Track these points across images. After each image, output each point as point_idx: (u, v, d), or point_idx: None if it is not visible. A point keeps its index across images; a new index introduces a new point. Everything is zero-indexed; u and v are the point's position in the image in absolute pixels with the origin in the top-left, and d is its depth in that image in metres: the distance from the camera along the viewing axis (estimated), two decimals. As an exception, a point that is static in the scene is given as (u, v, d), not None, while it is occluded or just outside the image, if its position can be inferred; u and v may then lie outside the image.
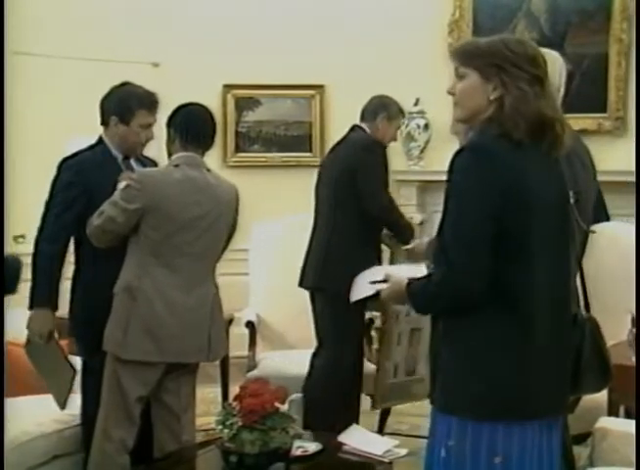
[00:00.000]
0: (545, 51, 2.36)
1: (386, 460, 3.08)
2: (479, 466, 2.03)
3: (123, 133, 3.32)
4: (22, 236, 5.60)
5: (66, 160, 3.37)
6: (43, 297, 3.24)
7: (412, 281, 2.16)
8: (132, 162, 3.44)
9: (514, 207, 2.00)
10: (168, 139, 3.31)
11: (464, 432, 2.03)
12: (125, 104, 3.32)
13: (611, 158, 4.80)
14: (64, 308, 3.35)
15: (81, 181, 3.24)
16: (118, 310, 3.09)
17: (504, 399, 2.02)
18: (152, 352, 3.06)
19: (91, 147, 3.42)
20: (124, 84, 3.41)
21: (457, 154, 2.05)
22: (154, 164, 3.58)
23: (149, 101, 3.34)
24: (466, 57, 2.08)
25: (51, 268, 3.25)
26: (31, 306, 3.25)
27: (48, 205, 3.29)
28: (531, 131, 2.04)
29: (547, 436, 2.10)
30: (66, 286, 3.34)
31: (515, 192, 2.00)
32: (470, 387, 2.03)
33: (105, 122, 3.39)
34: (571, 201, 2.15)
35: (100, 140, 3.41)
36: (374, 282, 2.41)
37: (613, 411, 3.17)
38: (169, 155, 3.31)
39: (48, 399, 3.34)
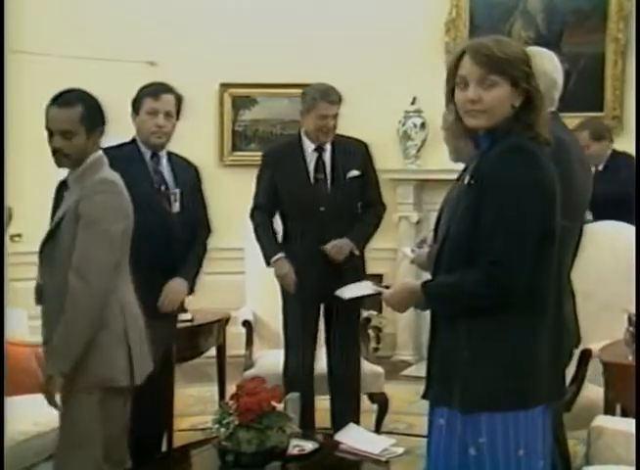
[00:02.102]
0: (541, 50, 2.37)
1: (382, 459, 3.08)
2: (510, 458, 2.06)
3: (137, 124, 3.47)
4: (19, 235, 5.61)
5: None
6: None
7: (427, 282, 2.17)
8: (163, 158, 3.49)
9: (555, 208, 2.06)
10: None
11: (494, 427, 2.05)
12: (136, 96, 3.50)
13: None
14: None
15: None
16: None
17: (523, 389, 2.07)
18: None
19: (121, 145, 3.47)
20: None
21: (509, 154, 2.06)
22: (186, 162, 3.61)
23: (154, 89, 3.47)
24: (498, 65, 2.06)
25: None
26: None
27: None
28: None
29: (543, 423, 2.14)
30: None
31: (557, 194, 2.06)
32: (496, 382, 2.06)
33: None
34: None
35: (133, 139, 3.51)
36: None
37: (609, 410, 3.18)
38: None
39: (43, 399, 3.33)
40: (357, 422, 3.77)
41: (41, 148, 5.49)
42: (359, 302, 3.80)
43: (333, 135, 3.96)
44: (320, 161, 3.97)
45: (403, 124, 5.98)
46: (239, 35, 5.97)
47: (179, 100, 3.50)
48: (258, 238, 4.09)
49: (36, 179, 5.55)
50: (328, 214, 3.91)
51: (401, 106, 5.91)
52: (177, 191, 3.49)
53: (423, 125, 5.96)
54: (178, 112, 3.50)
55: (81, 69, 5.64)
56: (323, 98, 3.86)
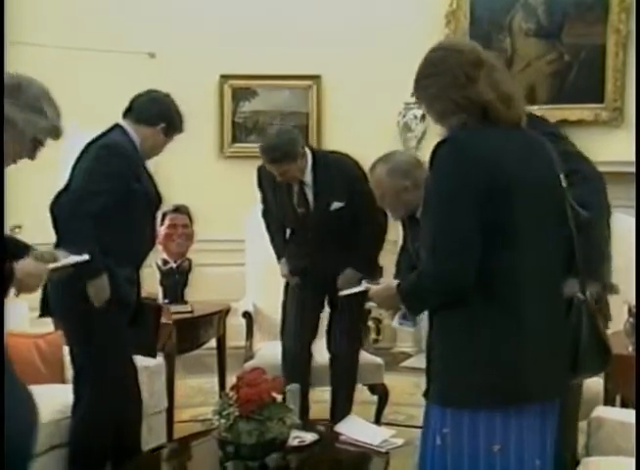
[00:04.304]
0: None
1: (382, 450, 3.08)
2: (477, 453, 2.04)
3: (160, 142, 3.38)
4: (19, 226, 5.60)
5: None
6: None
7: (402, 282, 2.20)
8: None
9: (496, 193, 2.01)
10: None
11: (460, 420, 2.04)
12: (175, 119, 3.40)
13: (607, 148, 4.80)
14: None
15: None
16: None
17: (500, 387, 2.02)
18: None
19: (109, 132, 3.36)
20: (167, 96, 3.48)
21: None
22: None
23: (181, 127, 3.44)
24: None
25: None
26: None
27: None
28: None
29: (542, 421, 2.11)
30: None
31: (495, 178, 2.02)
32: (466, 378, 2.04)
33: (146, 121, 3.33)
34: (564, 184, 2.15)
35: (123, 131, 3.33)
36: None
37: (609, 400, 3.18)
38: None
39: (45, 389, 3.34)
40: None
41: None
42: (362, 296, 3.80)
43: (296, 180, 3.83)
44: (303, 195, 3.89)
45: (403, 116, 5.97)
46: (239, 27, 5.95)
47: None
48: (270, 237, 4.20)
49: (36, 170, 5.55)
50: (317, 238, 3.94)
51: (401, 97, 5.89)
52: None
53: (423, 117, 5.94)
54: None
55: (81, 60, 5.64)
56: (262, 156, 3.80)
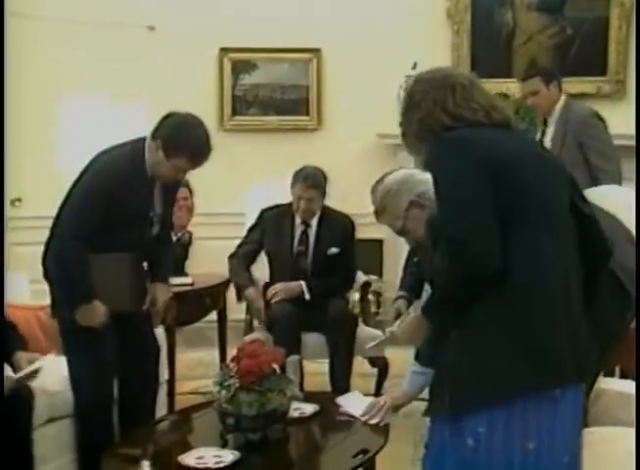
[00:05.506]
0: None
1: (381, 423, 3.04)
2: (512, 451, 2.00)
3: (158, 160, 3.20)
4: (19, 199, 5.60)
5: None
6: None
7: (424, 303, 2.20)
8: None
9: (504, 172, 2.01)
10: None
11: (494, 418, 1.99)
12: (176, 142, 3.17)
13: (609, 121, 4.77)
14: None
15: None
16: None
17: (536, 373, 1.99)
18: None
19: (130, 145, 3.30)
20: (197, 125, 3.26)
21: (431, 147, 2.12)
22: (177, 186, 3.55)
23: (197, 154, 3.22)
24: None
25: None
26: None
27: None
28: None
29: (574, 407, 2.08)
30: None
31: (499, 159, 2.02)
32: (499, 372, 1.98)
33: (151, 133, 3.22)
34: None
35: (141, 147, 3.24)
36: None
37: (608, 371, 3.18)
38: None
39: (45, 361, 3.35)
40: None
41: (40, 111, 5.51)
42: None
43: (312, 214, 4.34)
44: (304, 234, 4.36)
45: (404, 89, 5.93)
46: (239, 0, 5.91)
47: None
48: (233, 277, 4.43)
49: (35, 142, 5.53)
50: (305, 278, 4.31)
51: (402, 70, 5.85)
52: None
53: (424, 90, 5.91)
54: None
55: (80, 32, 5.61)
56: (299, 180, 4.26)
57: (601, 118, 4.68)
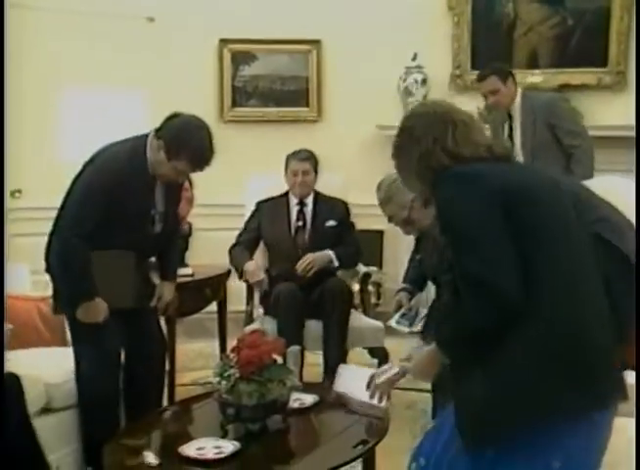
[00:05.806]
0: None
1: (382, 406, 2.99)
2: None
3: (160, 160, 3.21)
4: (19, 191, 5.60)
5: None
6: None
7: (439, 335, 2.16)
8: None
9: (517, 206, 2.01)
10: None
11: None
12: (177, 144, 3.18)
13: (610, 112, 4.78)
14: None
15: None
16: None
17: (571, 396, 1.98)
18: None
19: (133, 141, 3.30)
20: (201, 127, 3.26)
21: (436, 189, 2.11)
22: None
23: (198, 159, 3.23)
24: None
25: None
26: None
27: None
28: None
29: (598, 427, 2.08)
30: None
31: (506, 189, 2.02)
32: (537, 398, 1.97)
33: (155, 132, 3.23)
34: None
35: (142, 144, 3.26)
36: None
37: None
38: None
39: (46, 352, 3.36)
40: None
41: (40, 102, 5.50)
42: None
43: (309, 189, 4.48)
44: (301, 212, 4.49)
45: (404, 80, 5.92)
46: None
47: None
48: (234, 261, 4.44)
49: (35, 134, 5.53)
50: (307, 248, 4.37)
51: (402, 62, 5.85)
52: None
53: (424, 81, 5.90)
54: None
55: (80, 23, 5.60)
56: (292, 157, 4.45)
57: (564, 99, 4.98)
